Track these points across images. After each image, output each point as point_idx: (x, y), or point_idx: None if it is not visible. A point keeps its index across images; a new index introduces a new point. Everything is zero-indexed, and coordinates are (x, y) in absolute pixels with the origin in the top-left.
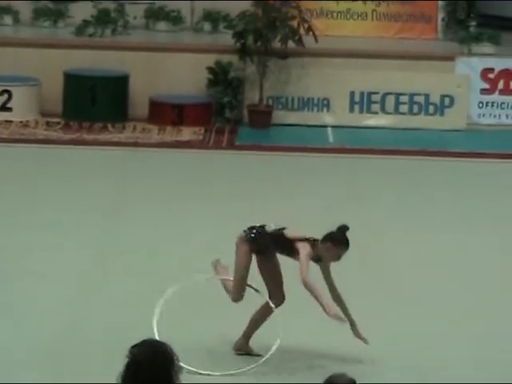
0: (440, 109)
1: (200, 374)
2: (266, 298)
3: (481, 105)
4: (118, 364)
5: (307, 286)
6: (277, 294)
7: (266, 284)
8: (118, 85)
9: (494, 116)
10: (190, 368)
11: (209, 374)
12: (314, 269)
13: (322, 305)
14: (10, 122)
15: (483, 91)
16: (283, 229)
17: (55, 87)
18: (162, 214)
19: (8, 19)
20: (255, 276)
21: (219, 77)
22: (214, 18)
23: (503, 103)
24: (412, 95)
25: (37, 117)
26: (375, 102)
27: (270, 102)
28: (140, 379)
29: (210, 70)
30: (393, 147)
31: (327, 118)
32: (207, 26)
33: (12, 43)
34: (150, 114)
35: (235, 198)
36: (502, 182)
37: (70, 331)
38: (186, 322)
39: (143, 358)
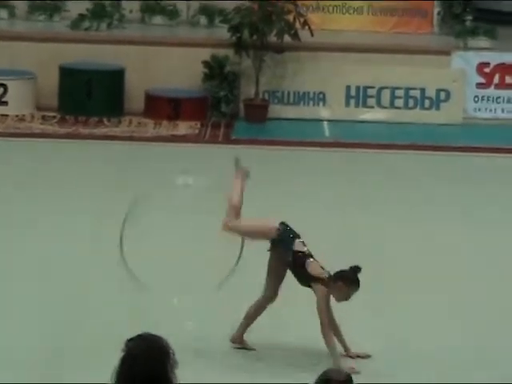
0: (436, 103)
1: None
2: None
3: (476, 99)
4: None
5: (325, 336)
6: (271, 288)
7: (267, 275)
8: (114, 79)
9: (490, 110)
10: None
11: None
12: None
13: (332, 357)
14: (6, 115)
15: (479, 85)
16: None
17: (51, 81)
18: (157, 208)
19: (4, 13)
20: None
21: (215, 71)
22: (209, 12)
23: (499, 97)
24: (408, 89)
25: (32, 111)
26: (371, 96)
27: (266, 96)
28: (135, 373)
29: (206, 64)
30: (389, 141)
31: (323, 112)
32: (203, 19)
33: (8, 37)
34: (145, 108)
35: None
36: (497, 176)
37: (68, 328)
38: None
39: (138, 351)
